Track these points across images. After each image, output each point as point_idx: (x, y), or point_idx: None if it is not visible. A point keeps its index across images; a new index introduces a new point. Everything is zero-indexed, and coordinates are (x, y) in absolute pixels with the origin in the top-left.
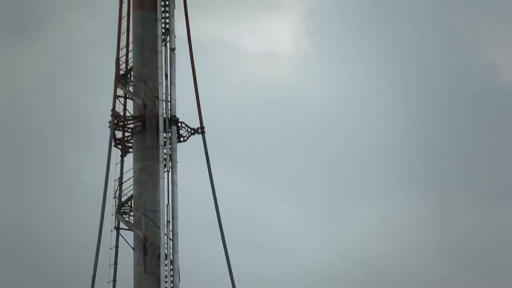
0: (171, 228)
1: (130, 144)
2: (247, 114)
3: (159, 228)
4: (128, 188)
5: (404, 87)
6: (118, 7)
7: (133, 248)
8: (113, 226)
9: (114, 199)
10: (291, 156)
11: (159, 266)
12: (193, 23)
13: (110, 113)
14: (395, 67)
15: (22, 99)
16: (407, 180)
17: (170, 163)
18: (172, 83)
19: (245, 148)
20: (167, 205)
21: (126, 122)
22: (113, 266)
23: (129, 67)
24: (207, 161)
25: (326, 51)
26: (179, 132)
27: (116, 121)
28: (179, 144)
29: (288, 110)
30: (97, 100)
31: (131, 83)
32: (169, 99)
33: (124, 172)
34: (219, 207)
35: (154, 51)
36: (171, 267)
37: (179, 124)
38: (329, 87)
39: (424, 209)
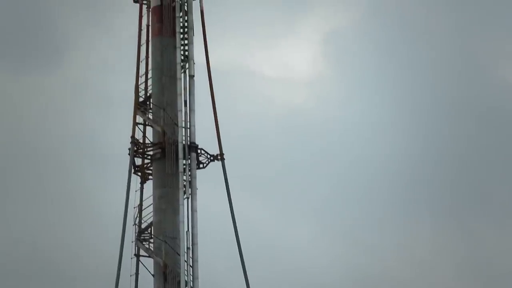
0: (191, 255)
1: (150, 171)
2: (266, 139)
3: (179, 255)
4: (148, 215)
5: (423, 109)
6: (137, 34)
7: (153, 275)
8: (133, 253)
9: (134, 226)
10: (310, 181)
11: None
12: (212, 49)
13: (130, 140)
14: (414, 90)
15: (41, 126)
16: (424, 203)
17: (190, 190)
18: (192, 109)
19: (264, 173)
20: (186, 232)
21: (145, 149)
22: None
23: (148, 94)
24: (226, 187)
25: (344, 76)
26: (198, 159)
27: (135, 148)
28: (198, 171)
29: (307, 135)
30: (117, 127)
31: (150, 110)
32: (188, 126)
33: (143, 199)
34: (238, 233)
35: (173, 78)
36: None
37: (199, 151)
38: (347, 111)
39: (442, 231)
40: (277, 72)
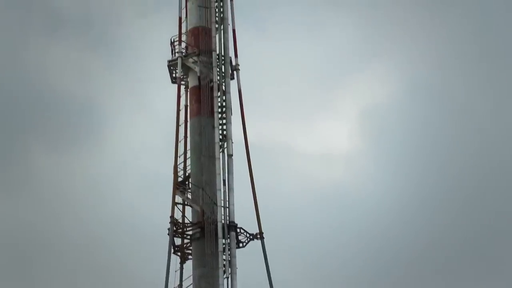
0: None
1: (189, 251)
2: (305, 216)
3: None
4: None
5: (461, 186)
6: (175, 114)
7: None
8: None
9: None
10: (349, 259)
11: None
12: (251, 126)
13: (169, 220)
14: (450, 167)
15: (82, 205)
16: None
17: (230, 269)
18: (230, 189)
19: (304, 250)
20: None
21: (185, 229)
22: None
23: (187, 174)
24: (266, 266)
25: (381, 151)
26: (238, 238)
27: (175, 228)
28: (238, 250)
29: (346, 212)
30: (156, 207)
31: (189, 190)
32: (227, 205)
33: (183, 279)
34: None
35: (212, 157)
36: None
37: (238, 230)
38: (384, 186)
39: None
40: (315, 148)
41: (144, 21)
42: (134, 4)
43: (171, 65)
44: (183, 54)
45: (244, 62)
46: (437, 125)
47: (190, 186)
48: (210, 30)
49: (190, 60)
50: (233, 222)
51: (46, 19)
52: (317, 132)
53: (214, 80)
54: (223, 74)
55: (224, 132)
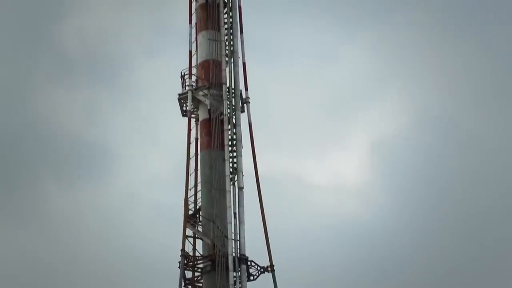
0: None
1: (200, 284)
2: (316, 248)
3: None
4: None
5: (472, 218)
6: (186, 147)
7: None
8: None
9: None
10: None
11: None
12: (261, 158)
13: (180, 253)
14: (461, 199)
15: (92, 237)
16: None
17: None
18: (241, 222)
19: (315, 283)
20: None
21: (195, 262)
22: None
23: (198, 207)
24: None
25: (391, 183)
26: (248, 271)
27: (185, 261)
28: (249, 283)
29: (356, 242)
30: (166, 240)
31: (200, 223)
32: (238, 238)
33: None
34: None
35: (223, 190)
36: None
37: (249, 263)
38: (395, 218)
39: None
40: (326, 180)
41: (153, 55)
42: (143, 39)
43: (182, 98)
44: (193, 87)
45: (254, 94)
46: (448, 157)
47: (200, 219)
48: (220, 63)
49: (200, 93)
50: (244, 255)
51: (54, 59)
52: (327, 164)
53: (224, 113)
54: (233, 107)
55: (235, 165)
